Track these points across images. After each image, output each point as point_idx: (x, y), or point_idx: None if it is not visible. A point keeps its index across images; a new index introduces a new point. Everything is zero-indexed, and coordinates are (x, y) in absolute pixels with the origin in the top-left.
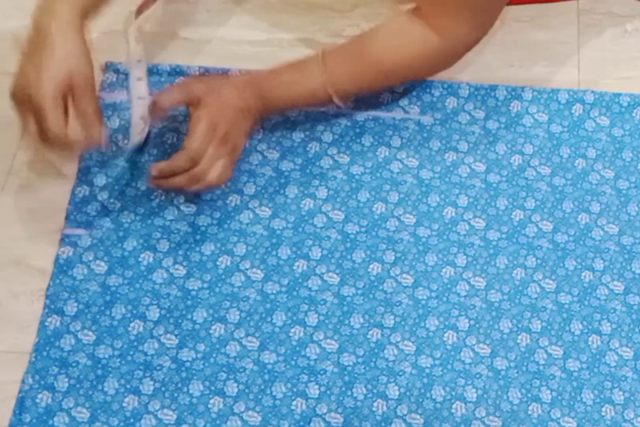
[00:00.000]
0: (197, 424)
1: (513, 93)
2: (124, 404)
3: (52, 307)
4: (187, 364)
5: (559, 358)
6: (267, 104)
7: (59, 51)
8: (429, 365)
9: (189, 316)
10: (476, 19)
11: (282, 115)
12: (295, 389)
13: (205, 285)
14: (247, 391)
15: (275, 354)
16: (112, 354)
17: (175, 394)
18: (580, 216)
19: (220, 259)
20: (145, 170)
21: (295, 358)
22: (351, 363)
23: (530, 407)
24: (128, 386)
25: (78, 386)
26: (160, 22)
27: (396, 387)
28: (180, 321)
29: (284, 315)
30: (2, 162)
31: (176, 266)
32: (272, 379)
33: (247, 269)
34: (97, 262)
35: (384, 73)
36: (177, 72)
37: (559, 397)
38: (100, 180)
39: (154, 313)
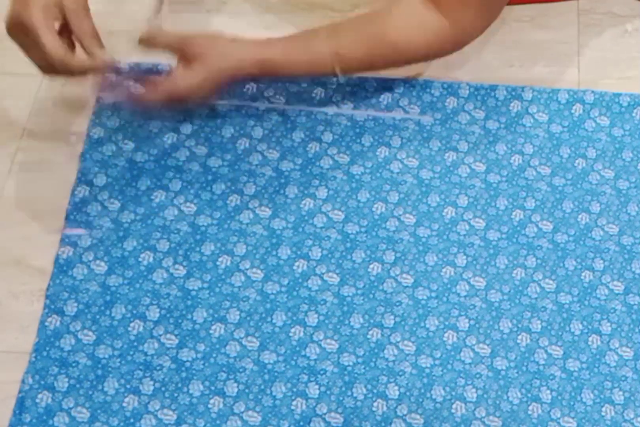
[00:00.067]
0: (197, 424)
1: (513, 93)
2: (124, 404)
3: (52, 307)
4: (187, 364)
5: (559, 358)
6: (265, 71)
7: None
8: (429, 365)
9: (189, 316)
10: (482, 6)
11: (283, 116)
12: (295, 389)
13: (205, 285)
14: (247, 391)
15: (275, 354)
16: (112, 354)
17: (175, 394)
18: (580, 216)
19: (220, 259)
20: (146, 170)
21: (295, 358)
22: (351, 363)
23: (530, 407)
24: (128, 386)
25: (78, 386)
26: (160, 22)
27: (396, 387)
28: (180, 321)
29: (284, 315)
30: (2, 162)
31: (176, 266)
32: (272, 379)
33: (247, 269)
34: (97, 262)
35: (397, 53)
36: None
37: (559, 397)
38: (100, 180)
39: (154, 313)
